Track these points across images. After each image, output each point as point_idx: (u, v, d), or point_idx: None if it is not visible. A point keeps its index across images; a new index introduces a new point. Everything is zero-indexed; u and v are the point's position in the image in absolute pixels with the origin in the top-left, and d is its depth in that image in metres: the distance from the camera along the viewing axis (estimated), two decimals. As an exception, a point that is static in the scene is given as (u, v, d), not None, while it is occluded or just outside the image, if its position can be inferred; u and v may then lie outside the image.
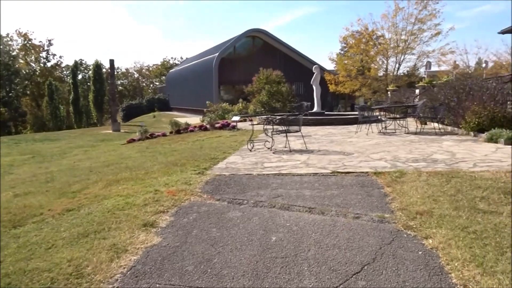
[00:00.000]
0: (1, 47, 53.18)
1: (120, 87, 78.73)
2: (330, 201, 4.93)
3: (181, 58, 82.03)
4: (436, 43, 36.53)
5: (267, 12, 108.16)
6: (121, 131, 27.67)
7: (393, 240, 3.72)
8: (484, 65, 40.31)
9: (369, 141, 10.09)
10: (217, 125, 16.50)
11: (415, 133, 11.35)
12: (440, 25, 30.07)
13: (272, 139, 9.48)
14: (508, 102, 9.95)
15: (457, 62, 41.23)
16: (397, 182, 5.52)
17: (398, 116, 12.68)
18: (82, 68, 71.88)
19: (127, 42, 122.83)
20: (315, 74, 18.31)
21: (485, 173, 5.67)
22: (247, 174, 6.56)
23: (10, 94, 54.95)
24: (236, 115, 21.82)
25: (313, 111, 18.46)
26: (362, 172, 6.29)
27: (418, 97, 18.74)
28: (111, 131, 27.53)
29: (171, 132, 16.52)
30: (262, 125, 11.26)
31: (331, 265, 3.30)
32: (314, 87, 18.33)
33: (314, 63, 45.44)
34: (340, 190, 5.39)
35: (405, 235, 3.83)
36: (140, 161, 9.64)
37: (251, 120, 16.23)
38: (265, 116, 16.75)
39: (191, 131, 16.12)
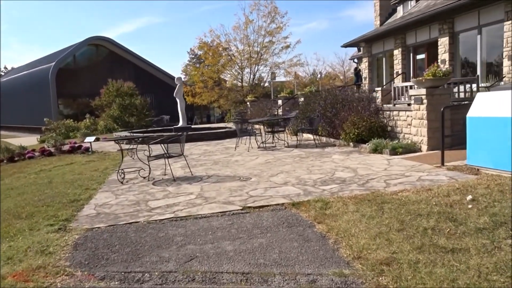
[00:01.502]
0: None
1: None
2: (265, 257, 3.69)
3: (6, 68, 70.32)
4: (286, 55, 38.94)
5: (106, 20, 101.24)
6: None
7: (384, 318, 2.70)
8: (319, 75, 44.73)
9: (256, 159, 9.22)
10: (64, 148, 13.65)
11: (296, 146, 10.99)
12: (289, 38, 31.96)
13: (149, 166, 7.76)
14: (380, 112, 10.31)
15: (299, 73, 44.60)
16: (327, 216, 4.62)
17: (270, 129, 12.20)
18: None
19: None
20: (177, 86, 16.94)
21: (408, 194, 5.21)
22: (132, 222, 4.85)
23: None
24: (87, 134, 18.82)
25: (178, 126, 17.01)
26: (278, 205, 5.24)
27: (281, 107, 19.02)
28: None
29: (1, 161, 12.98)
30: (120, 145, 9.35)
31: None
32: (178, 100, 16.93)
33: (166, 73, 43.76)
34: (267, 236, 4.21)
35: (391, 304, 2.85)
36: (-43, 210, 6.82)
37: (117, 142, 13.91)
38: (130, 135, 14.56)
39: (31, 157, 12.92)
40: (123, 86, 30.35)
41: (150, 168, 7.76)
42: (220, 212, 5.03)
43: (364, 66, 21.61)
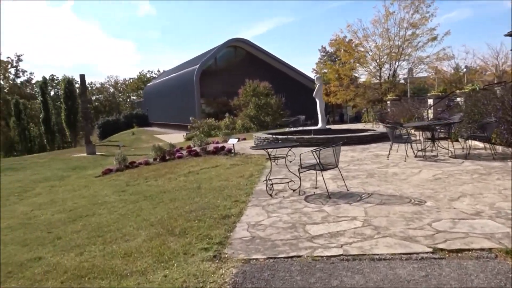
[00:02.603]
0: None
1: (96, 103, 75.18)
2: None
3: (158, 71, 79.14)
4: (431, 48, 34.97)
5: (240, 23, 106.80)
6: (97, 153, 24.72)
7: None
8: (464, 69, 39.02)
9: (420, 173, 7.77)
10: (209, 149, 13.96)
11: (465, 157, 9.12)
12: (436, 29, 28.57)
13: (300, 178, 7.01)
14: None
15: (443, 67, 39.40)
16: None
17: (430, 135, 10.42)
18: (54, 84, 68.20)
19: (100, 57, 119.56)
20: (317, 86, 16.05)
21: None
22: (293, 256, 4.07)
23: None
24: (227, 134, 19.37)
25: (317, 127, 16.16)
26: (482, 250, 3.91)
27: (431, 108, 16.73)
28: (85, 154, 24.55)
29: (155, 159, 13.89)
30: (260, 149, 8.67)
31: None
32: (317, 101, 16.05)
33: (299, 72, 43.55)
34: (487, 305, 2.99)
35: None
36: (118, 213, 7.09)
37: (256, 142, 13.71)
38: (268, 136, 14.29)
39: (180, 157, 13.52)
40: (259, 86, 30.87)
41: (300, 180, 7.00)
42: (404, 254, 3.92)
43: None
